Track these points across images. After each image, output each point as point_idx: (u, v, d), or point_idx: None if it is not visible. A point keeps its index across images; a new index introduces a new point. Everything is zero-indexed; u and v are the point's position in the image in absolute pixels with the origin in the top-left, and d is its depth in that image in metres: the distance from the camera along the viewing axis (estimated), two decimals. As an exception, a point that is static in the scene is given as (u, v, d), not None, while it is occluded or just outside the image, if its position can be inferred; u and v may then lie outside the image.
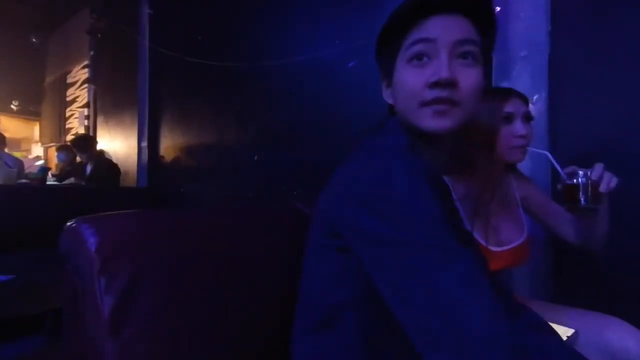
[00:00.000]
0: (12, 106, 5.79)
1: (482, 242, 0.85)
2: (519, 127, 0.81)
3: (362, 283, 0.49)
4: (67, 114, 5.02)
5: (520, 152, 0.82)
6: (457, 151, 0.61)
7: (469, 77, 0.51)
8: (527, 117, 0.83)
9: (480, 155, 0.87)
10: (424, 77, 0.52)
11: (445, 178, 0.85)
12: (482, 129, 0.82)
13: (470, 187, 0.87)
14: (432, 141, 0.57)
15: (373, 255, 0.45)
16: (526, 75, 1.30)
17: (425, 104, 0.52)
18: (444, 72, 0.50)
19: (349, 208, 0.48)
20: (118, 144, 3.75)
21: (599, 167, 0.75)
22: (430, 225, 0.43)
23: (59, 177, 3.47)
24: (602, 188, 0.74)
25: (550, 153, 0.82)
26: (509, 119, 0.82)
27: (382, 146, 0.53)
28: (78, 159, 3.58)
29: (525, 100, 0.85)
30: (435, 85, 0.51)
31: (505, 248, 0.87)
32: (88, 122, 4.34)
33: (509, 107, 0.82)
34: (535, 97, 1.28)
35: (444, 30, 0.51)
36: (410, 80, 0.53)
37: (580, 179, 0.76)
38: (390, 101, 0.61)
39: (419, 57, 0.53)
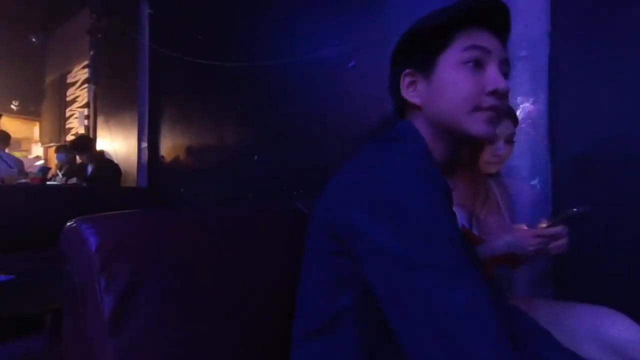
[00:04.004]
0: (12, 106, 5.78)
1: None
2: (499, 148, 0.92)
3: (361, 288, 0.48)
4: (67, 114, 5.01)
5: (494, 167, 0.96)
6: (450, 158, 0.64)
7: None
8: (509, 140, 0.93)
9: (466, 165, 0.96)
10: (481, 84, 0.53)
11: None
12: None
13: (464, 190, 0.92)
14: (463, 146, 0.58)
15: (377, 267, 0.44)
16: (526, 75, 1.30)
17: (480, 109, 0.53)
18: (503, 83, 0.53)
19: (357, 215, 0.46)
20: (118, 144, 3.75)
21: None
22: (446, 244, 0.42)
23: (64, 175, 3.47)
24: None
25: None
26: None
27: (400, 153, 0.50)
28: (78, 159, 3.59)
29: (515, 121, 0.94)
30: (494, 93, 0.53)
31: None
32: (88, 122, 4.33)
33: None
34: (531, 99, 1.28)
35: (496, 45, 0.55)
36: (467, 84, 0.53)
37: None
38: (415, 100, 0.57)
39: (476, 63, 0.54)
